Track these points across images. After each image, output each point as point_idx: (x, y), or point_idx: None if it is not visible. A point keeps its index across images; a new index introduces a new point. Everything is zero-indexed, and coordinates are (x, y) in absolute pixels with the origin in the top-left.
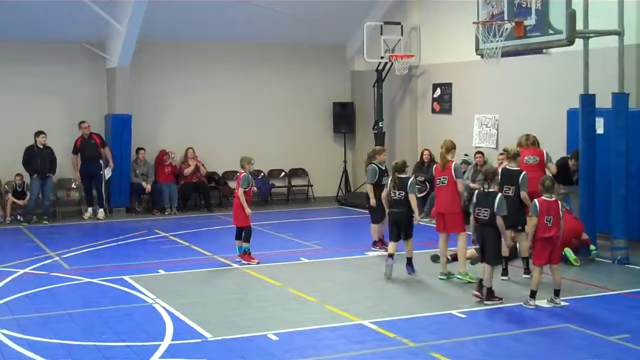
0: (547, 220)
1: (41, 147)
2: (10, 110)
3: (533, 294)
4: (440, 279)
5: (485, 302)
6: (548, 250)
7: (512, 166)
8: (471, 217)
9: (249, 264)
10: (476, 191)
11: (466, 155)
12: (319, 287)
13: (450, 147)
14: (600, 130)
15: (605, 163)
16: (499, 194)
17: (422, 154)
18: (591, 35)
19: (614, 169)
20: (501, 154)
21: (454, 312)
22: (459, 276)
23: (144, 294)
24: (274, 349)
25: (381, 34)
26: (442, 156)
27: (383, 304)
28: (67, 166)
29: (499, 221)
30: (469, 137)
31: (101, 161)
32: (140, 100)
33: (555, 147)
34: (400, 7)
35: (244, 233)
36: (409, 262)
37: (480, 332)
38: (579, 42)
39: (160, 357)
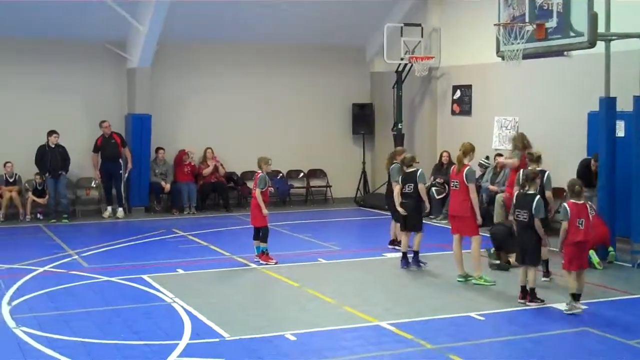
0: (579, 223)
1: (53, 146)
2: (31, 110)
3: (576, 297)
4: (459, 281)
5: (528, 303)
6: (581, 256)
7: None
8: (511, 218)
9: (267, 264)
10: (516, 193)
11: (487, 157)
12: (337, 288)
13: (469, 150)
14: (621, 133)
15: (626, 166)
16: (538, 196)
17: (441, 155)
18: (613, 37)
19: (634, 172)
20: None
21: (472, 314)
22: (474, 281)
23: (162, 293)
24: (291, 350)
25: (401, 35)
26: (459, 159)
27: (401, 305)
28: (87, 165)
29: (537, 223)
30: (488, 139)
31: (121, 160)
32: (160, 101)
33: (575, 150)
34: (421, 8)
35: (260, 233)
36: (416, 255)
37: (498, 334)
38: (600, 45)
39: (178, 356)
